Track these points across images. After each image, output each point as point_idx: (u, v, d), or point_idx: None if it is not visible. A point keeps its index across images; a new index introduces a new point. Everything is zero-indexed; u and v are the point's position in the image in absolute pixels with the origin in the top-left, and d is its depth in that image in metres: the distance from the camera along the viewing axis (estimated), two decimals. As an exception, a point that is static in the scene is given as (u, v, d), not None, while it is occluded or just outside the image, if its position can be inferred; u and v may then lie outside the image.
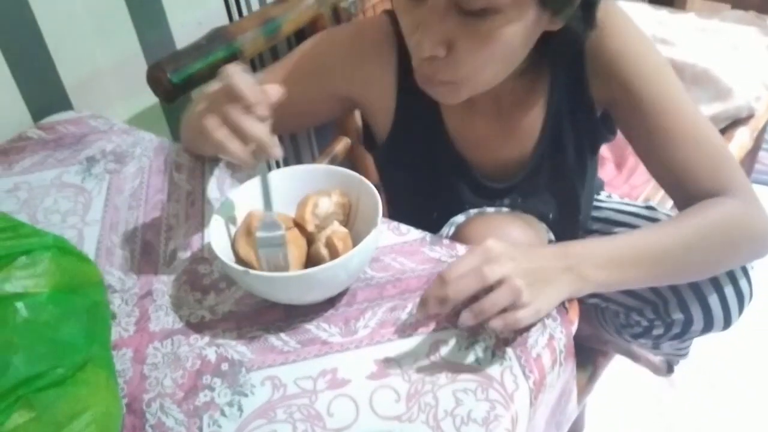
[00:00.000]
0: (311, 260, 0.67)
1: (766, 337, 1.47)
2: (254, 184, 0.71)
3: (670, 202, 1.18)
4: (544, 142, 0.83)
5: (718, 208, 0.71)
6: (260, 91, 0.59)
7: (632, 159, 1.35)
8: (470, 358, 0.60)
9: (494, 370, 0.59)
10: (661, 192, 1.24)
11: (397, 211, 0.97)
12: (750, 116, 1.37)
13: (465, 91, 0.72)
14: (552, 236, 0.89)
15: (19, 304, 0.49)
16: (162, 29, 1.12)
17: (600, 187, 1.06)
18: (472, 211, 0.86)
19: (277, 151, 0.59)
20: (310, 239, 0.68)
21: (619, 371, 1.32)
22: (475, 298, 0.58)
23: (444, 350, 0.61)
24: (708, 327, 0.82)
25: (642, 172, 1.32)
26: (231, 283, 0.70)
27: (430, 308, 0.59)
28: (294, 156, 1.48)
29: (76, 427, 0.49)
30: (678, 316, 0.82)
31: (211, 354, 0.63)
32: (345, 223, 0.70)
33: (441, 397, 0.58)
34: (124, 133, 0.95)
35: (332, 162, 1.28)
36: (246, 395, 0.59)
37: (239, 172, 0.85)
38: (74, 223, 0.80)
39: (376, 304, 0.67)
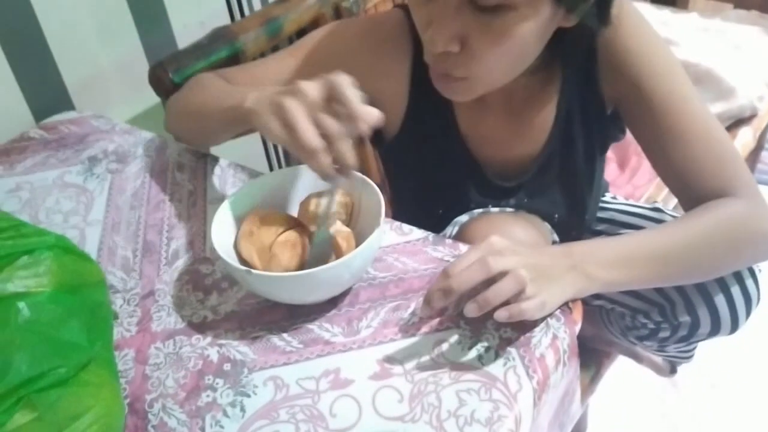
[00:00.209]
0: (313, 260, 0.67)
1: (769, 338, 1.47)
2: (255, 185, 0.71)
3: (673, 202, 1.18)
4: (555, 140, 0.82)
5: (725, 208, 0.70)
6: (366, 110, 0.58)
7: (635, 159, 1.35)
8: (473, 358, 0.60)
9: (498, 370, 0.59)
10: (664, 192, 1.23)
11: (400, 209, 0.96)
12: (753, 116, 1.37)
13: (478, 87, 0.71)
14: (556, 237, 0.89)
15: (21, 304, 0.49)
16: (164, 29, 1.12)
17: (606, 188, 1.06)
18: (476, 211, 0.85)
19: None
20: (312, 239, 0.67)
21: (623, 372, 1.32)
22: (479, 292, 0.58)
23: (447, 350, 0.61)
24: (715, 330, 0.82)
25: (645, 172, 1.31)
26: (233, 283, 0.70)
27: (435, 301, 0.59)
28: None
29: (78, 427, 0.49)
30: (685, 318, 0.82)
31: (213, 354, 0.63)
32: (348, 222, 0.69)
33: (444, 397, 0.57)
34: (126, 133, 0.95)
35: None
36: (248, 396, 0.59)
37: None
38: (76, 223, 0.80)
39: (378, 304, 0.66)
